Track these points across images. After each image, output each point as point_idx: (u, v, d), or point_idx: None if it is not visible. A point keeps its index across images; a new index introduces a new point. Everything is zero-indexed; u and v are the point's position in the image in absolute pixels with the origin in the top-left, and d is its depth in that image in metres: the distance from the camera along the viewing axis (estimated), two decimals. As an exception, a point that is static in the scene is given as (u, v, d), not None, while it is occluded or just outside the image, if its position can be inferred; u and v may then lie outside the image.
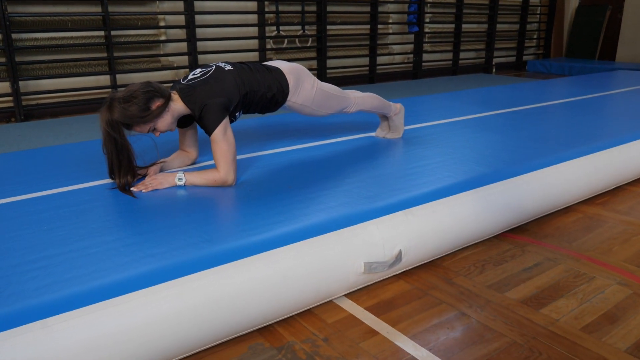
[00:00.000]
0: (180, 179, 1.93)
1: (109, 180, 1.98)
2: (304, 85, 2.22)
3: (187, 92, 1.94)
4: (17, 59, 4.55)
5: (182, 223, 1.59)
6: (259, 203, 1.76)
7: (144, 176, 2.00)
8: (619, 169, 2.61)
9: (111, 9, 4.89)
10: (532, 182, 2.17)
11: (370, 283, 1.75)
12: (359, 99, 2.47)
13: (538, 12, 9.16)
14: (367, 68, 6.95)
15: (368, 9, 6.75)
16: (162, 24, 5.32)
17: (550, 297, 1.73)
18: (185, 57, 5.50)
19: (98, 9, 4.87)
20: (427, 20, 7.48)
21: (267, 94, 2.11)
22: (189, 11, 5.30)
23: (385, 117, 2.71)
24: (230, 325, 1.40)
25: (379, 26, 6.94)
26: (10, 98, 4.62)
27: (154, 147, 2.21)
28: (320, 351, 1.45)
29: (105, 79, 5.10)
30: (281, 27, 6.11)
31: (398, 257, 1.70)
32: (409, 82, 6.94)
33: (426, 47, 7.56)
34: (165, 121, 1.91)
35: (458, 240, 1.93)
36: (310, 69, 6.10)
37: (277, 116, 3.17)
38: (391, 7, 7.11)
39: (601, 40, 8.73)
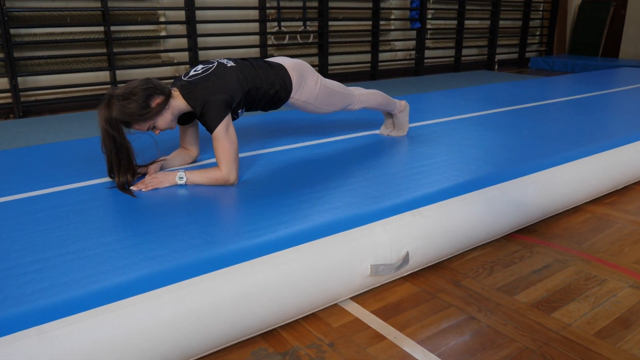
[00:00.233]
0: (181, 178, 1.88)
1: (108, 179, 1.94)
2: (307, 82, 2.17)
3: (188, 89, 1.89)
4: (16, 54, 4.49)
5: (183, 224, 1.54)
6: (262, 203, 1.71)
7: (144, 175, 1.96)
8: (627, 168, 2.56)
9: (111, 4, 4.83)
10: (540, 181, 2.12)
11: (376, 286, 1.71)
12: (363, 95, 2.42)
13: (541, 8, 9.09)
14: (369, 64, 6.89)
15: (370, 4, 6.69)
16: (162, 19, 5.26)
17: (561, 300, 1.68)
18: (186, 53, 5.45)
19: (97, 4, 4.81)
20: (430, 16, 7.42)
21: (270, 91, 2.06)
22: (190, 6, 5.24)
23: (389, 115, 2.66)
24: (233, 330, 1.35)
25: (381, 22, 6.87)
26: (8, 94, 4.57)
27: (154, 144, 2.16)
28: (326, 357, 1.40)
29: (104, 75, 5.05)
30: (282, 23, 6.05)
31: (405, 259, 1.66)
32: (410, 79, 6.89)
33: (428, 43, 7.50)
34: (165, 119, 1.87)
35: (466, 241, 1.88)
36: (311, 66, 6.03)
37: (279, 113, 3.12)
38: (393, 3, 7.05)
39: (604, 37, 8.66)
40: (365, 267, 1.57)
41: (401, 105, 2.60)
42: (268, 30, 5.92)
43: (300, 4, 6.09)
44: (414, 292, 1.72)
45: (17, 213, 1.64)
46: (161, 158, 2.05)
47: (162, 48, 5.35)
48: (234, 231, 1.49)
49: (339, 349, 1.43)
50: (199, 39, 5.43)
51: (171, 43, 5.42)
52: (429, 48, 7.49)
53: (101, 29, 4.90)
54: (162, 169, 2.04)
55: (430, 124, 2.93)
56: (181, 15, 5.34)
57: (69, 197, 1.78)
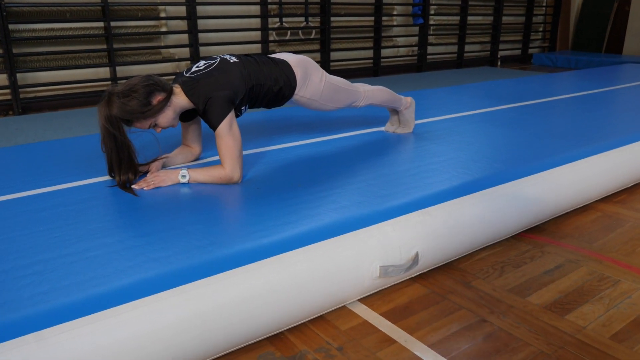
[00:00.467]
0: (183, 176, 1.83)
1: (109, 177, 1.89)
2: (312, 79, 2.12)
3: (190, 85, 1.84)
4: (15, 50, 4.44)
5: (187, 224, 1.50)
6: (267, 202, 1.66)
7: (146, 173, 1.91)
8: (636, 165, 2.51)
9: (111, -1, 4.79)
10: (550, 179, 2.07)
11: (384, 287, 1.66)
12: (369, 92, 2.37)
13: (544, 4, 9.03)
14: (371, 61, 6.83)
15: (372, 0, 6.62)
16: (162, 14, 5.20)
17: (575, 302, 1.64)
18: (187, 49, 5.39)
19: (97, -1, 4.76)
20: (432, 12, 7.35)
21: (274, 88, 2.01)
22: (190, 2, 5.19)
23: (395, 111, 2.61)
24: (239, 334, 1.31)
25: (384, 18, 6.81)
26: (7, 90, 4.51)
27: (155, 142, 2.12)
28: (334, 361, 1.36)
29: (104, 71, 5.00)
30: (284, 19, 5.99)
31: (415, 260, 1.61)
32: (413, 75, 6.83)
33: (431, 39, 7.44)
34: (167, 116, 1.82)
35: (476, 241, 1.83)
36: (313, 62, 5.96)
37: (282, 110, 3.07)
38: (395, -2, 6.99)
39: (608, 33, 8.60)
40: (374, 268, 1.53)
41: (407, 102, 2.56)
42: (269, 26, 5.86)
43: (302, 0, 6.03)
44: (423, 294, 1.67)
45: (15, 212, 1.60)
46: (163, 156, 2.00)
47: (162, 44, 5.30)
48: (239, 232, 1.45)
49: (348, 353, 1.39)
50: (200, 35, 5.38)
51: (172, 39, 5.36)
52: (431, 44, 7.43)
53: (101, 24, 4.84)
54: (164, 167, 1.99)
55: (435, 120, 2.88)
56: (182, 10, 5.28)
57: (69, 196, 1.73)
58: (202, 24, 5.40)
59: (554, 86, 4.27)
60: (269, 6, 5.82)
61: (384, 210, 1.64)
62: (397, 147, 2.36)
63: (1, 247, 1.37)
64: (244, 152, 2.17)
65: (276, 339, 1.44)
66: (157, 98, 1.78)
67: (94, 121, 1.74)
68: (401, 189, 1.79)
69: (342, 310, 1.57)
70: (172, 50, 5.38)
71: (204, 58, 2.00)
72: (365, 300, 1.62)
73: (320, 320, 1.52)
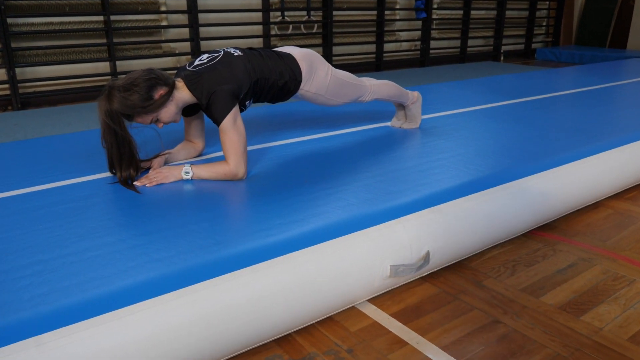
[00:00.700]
0: (187, 173, 1.79)
1: (109, 174, 1.84)
2: (317, 73, 2.06)
3: (193, 79, 1.78)
4: (13, 44, 4.38)
5: (191, 222, 1.45)
6: (273, 199, 1.62)
7: (147, 169, 1.86)
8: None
9: (110, -8, 4.72)
10: (562, 175, 2.02)
11: (394, 287, 1.61)
12: (375, 86, 2.31)
13: (547, -2, 8.96)
14: (374, 55, 6.77)
15: (375, -6, 6.56)
16: (163, 8, 5.14)
17: (590, 302, 1.59)
18: (188, 44, 5.33)
19: (97, -8, 4.70)
20: (435, 6, 7.28)
21: (279, 82, 1.96)
22: (191, -5, 5.13)
23: (401, 106, 2.56)
24: (246, 337, 1.26)
25: (386, 12, 6.74)
26: (6, 85, 4.46)
27: (157, 137, 2.07)
28: (344, 364, 1.31)
29: (104, 66, 4.94)
30: (286, 13, 5.92)
31: (426, 259, 1.57)
32: (416, 70, 6.77)
33: (434, 33, 7.37)
34: (169, 111, 1.77)
35: (487, 239, 1.79)
36: (315, 56, 5.90)
37: (286, 104, 3.02)
38: (398, -8, 6.92)
39: (612, 28, 8.53)
40: (384, 267, 1.48)
41: (414, 97, 2.50)
42: (271, 20, 5.80)
43: (303, -7, 5.97)
44: (434, 293, 1.63)
45: (14, 210, 1.55)
46: (165, 152, 1.95)
47: (163, 38, 5.24)
48: (244, 230, 1.40)
49: (358, 355, 1.34)
50: (201, 29, 5.32)
51: (172, 33, 5.30)
52: (434, 38, 7.36)
53: (101, 18, 4.78)
54: (166, 163, 1.94)
55: (441, 115, 2.83)
56: (182, 4, 5.22)
57: (69, 193, 1.68)
58: (203, 17, 5.34)
59: (559, 81, 4.21)
60: (271, 0, 5.76)
61: (393, 207, 1.59)
62: (404, 142, 2.31)
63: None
64: (248, 148, 2.12)
65: (284, 341, 1.39)
66: (159, 92, 1.72)
67: (94, 116, 1.69)
68: (410, 185, 1.74)
69: (351, 311, 1.52)
70: (172, 45, 5.32)
71: (208, 52, 1.94)
72: (374, 300, 1.57)
73: (328, 321, 1.47)
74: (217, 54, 1.87)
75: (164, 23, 5.19)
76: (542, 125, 2.60)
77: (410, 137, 2.39)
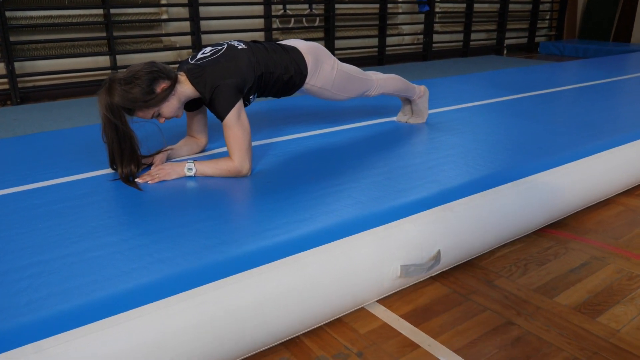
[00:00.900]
0: (190, 169, 1.74)
1: (110, 170, 1.79)
2: (323, 67, 2.01)
3: (196, 73, 1.73)
4: (12, 38, 4.32)
5: (194, 221, 1.40)
6: (279, 197, 1.57)
7: (149, 166, 1.81)
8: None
9: (110, -15, 4.65)
10: (575, 172, 1.97)
11: (403, 287, 1.57)
12: (382, 81, 2.26)
13: (550, -9, 8.87)
14: (376, 49, 6.70)
15: (377, -13, 6.49)
16: (163, 1, 5.07)
17: (605, 302, 1.55)
18: (188, 37, 5.27)
19: (96, -15, 4.63)
20: (438, -1, 7.21)
21: (284, 76, 1.90)
22: (192, -12, 5.06)
23: (407, 101, 2.51)
24: (253, 340, 1.22)
25: (389, 5, 6.67)
26: (5, 80, 4.40)
27: (159, 132, 2.02)
28: (354, 368, 1.27)
29: (104, 60, 4.88)
30: (288, 6, 5.85)
31: (437, 259, 1.52)
32: (419, 64, 6.70)
33: (437, 27, 7.30)
34: (171, 106, 1.72)
35: (499, 237, 1.74)
36: (317, 50, 5.82)
37: (289, 99, 2.96)
38: (401, -15, 6.84)
39: (616, 21, 8.44)
40: (395, 268, 1.43)
41: (420, 91, 2.45)
42: (273, 14, 5.73)
43: (305, -14, 5.89)
44: (444, 294, 1.58)
45: (12, 209, 1.50)
46: (167, 147, 1.90)
47: (163, 32, 5.17)
48: (251, 230, 1.35)
49: (368, 359, 1.30)
50: (202, 22, 5.25)
51: (173, 26, 5.23)
52: (437, 32, 7.29)
53: (100, 11, 4.71)
54: (168, 159, 1.89)
55: (447, 110, 2.77)
56: (183, -3, 5.15)
57: (69, 190, 1.64)
58: (203, 11, 5.27)
59: (564, 75, 4.15)
60: (272, -7, 5.69)
61: (403, 205, 1.54)
62: (411, 138, 2.26)
63: (-4, 246, 1.27)
64: (252, 143, 2.07)
65: (292, 344, 1.35)
66: (161, 86, 1.67)
67: (95, 111, 1.64)
68: (420, 182, 1.69)
69: (360, 312, 1.48)
70: (173, 38, 5.25)
71: (211, 45, 1.89)
72: (383, 301, 1.53)
73: (337, 323, 1.43)
74: (220, 47, 1.81)
75: (165, 16, 5.13)
76: (550, 120, 2.54)
77: (417, 133, 2.34)
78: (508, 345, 1.35)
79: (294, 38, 2.27)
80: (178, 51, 5.28)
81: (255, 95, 1.91)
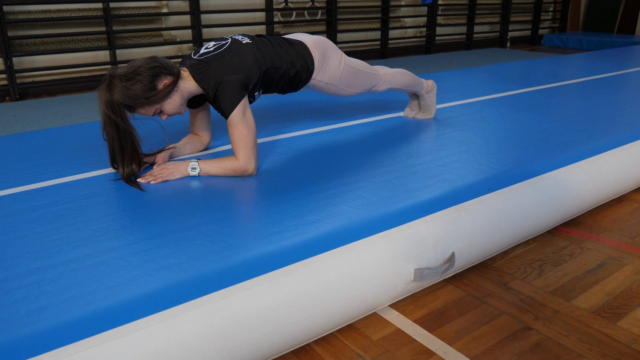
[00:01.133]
0: (193, 169, 1.68)
1: (111, 170, 1.74)
2: (330, 62, 1.95)
3: (199, 69, 1.67)
4: (10, 33, 4.25)
5: (200, 224, 1.35)
6: (287, 198, 1.51)
7: (152, 165, 1.75)
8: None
9: (109, -21, 4.57)
10: (591, 168, 1.92)
11: (416, 290, 1.52)
12: (389, 75, 2.20)
13: (554, -17, 8.77)
14: (379, 42, 6.63)
15: (380, -21, 6.40)
16: (163, -5, 5.00)
17: (625, 306, 1.49)
18: (189, 31, 5.20)
19: (95, -21, 4.55)
20: (441, -9, 7.13)
21: (290, 71, 1.84)
22: (192, -19, 4.98)
23: (415, 96, 2.45)
24: (262, 348, 1.16)
25: (391, -2, 6.59)
26: (3, 75, 4.34)
27: (161, 130, 1.96)
28: (368, 378, 1.22)
29: (104, 55, 4.81)
30: (289, -1, 5.78)
31: (451, 262, 1.46)
32: (422, 57, 6.63)
33: (440, 20, 7.21)
34: (173, 102, 1.66)
35: (514, 237, 1.69)
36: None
37: (294, 94, 2.90)
38: (403, -23, 6.76)
39: (621, 13, 8.35)
40: (408, 271, 1.38)
41: (428, 85, 2.39)
42: (274, 7, 5.65)
43: (307, -21, 5.81)
44: (458, 297, 1.53)
45: (9, 211, 1.44)
46: (170, 146, 1.84)
47: (163, 26, 5.10)
48: (259, 233, 1.29)
49: (382, 367, 1.25)
50: (203, 16, 5.17)
51: (173, 20, 5.16)
52: (440, 25, 7.21)
53: (100, 5, 4.64)
54: (171, 158, 1.83)
55: (454, 105, 2.71)
56: (183, -10, 5.08)
57: (69, 191, 1.58)
58: (204, 4, 5.19)
59: (570, 68, 4.08)
60: (274, -14, 5.61)
61: (415, 205, 1.48)
62: (420, 134, 2.20)
63: (-7, 252, 1.22)
64: (257, 141, 2.01)
65: (302, 352, 1.30)
66: (163, 82, 1.61)
67: (95, 107, 1.58)
68: (432, 181, 1.63)
69: (372, 317, 1.42)
70: (173, 32, 5.18)
71: (210, 40, 1.83)
72: (396, 305, 1.48)
73: (348, 329, 1.38)
74: (224, 42, 1.75)
75: (165, 10, 5.05)
76: (559, 114, 2.48)
77: (425, 128, 2.28)
78: (527, 352, 1.29)
79: (296, 32, 2.20)
80: (179, 45, 5.21)
81: (261, 92, 1.85)
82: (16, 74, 4.33)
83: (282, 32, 5.79)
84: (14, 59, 4.30)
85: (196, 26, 5.10)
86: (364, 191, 1.56)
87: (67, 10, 4.52)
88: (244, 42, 1.77)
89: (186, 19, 5.17)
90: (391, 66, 2.27)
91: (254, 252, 1.21)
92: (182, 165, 1.69)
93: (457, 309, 1.47)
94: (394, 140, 2.09)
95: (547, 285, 1.59)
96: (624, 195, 2.25)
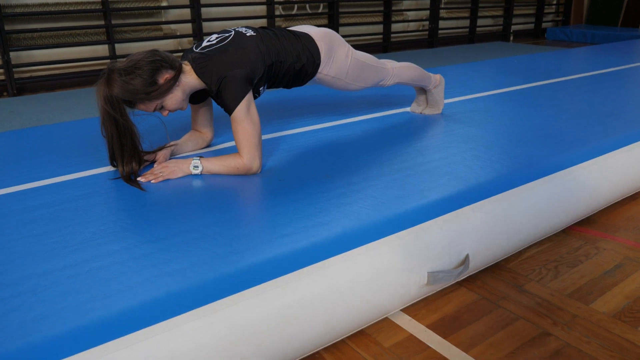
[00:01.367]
0: (196, 167, 1.62)
1: (110, 168, 1.68)
2: (337, 55, 1.88)
3: (201, 63, 1.61)
4: (7, 27, 4.18)
5: (203, 226, 1.28)
6: (294, 197, 1.45)
7: (152, 163, 1.69)
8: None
9: (108, -29, 4.49)
10: (607, 165, 1.85)
11: (428, 294, 1.46)
12: (397, 69, 2.13)
13: (558, -24, 8.68)
14: (381, 36, 6.54)
15: (382, -28, 6.31)
16: (163, -12, 4.92)
17: (646, 309, 1.43)
18: (189, 25, 5.12)
19: (93, -29, 4.47)
20: (444, -16, 7.04)
21: (296, 65, 1.78)
22: (192, -26, 4.90)
23: (422, 90, 2.38)
24: (270, 359, 1.10)
25: (394, -9, 6.51)
26: (0, 70, 4.27)
27: (162, 126, 1.90)
28: (381, 388, 1.16)
29: (103, 49, 4.74)
30: (290, -8, 5.70)
31: (465, 264, 1.40)
32: (425, 51, 6.55)
33: (442, 13, 7.13)
34: (175, 98, 1.59)
35: (529, 237, 1.63)
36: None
37: (297, 88, 2.83)
38: (406, -30, 6.67)
39: (625, 6, 8.26)
40: (422, 274, 1.32)
41: (436, 80, 2.32)
42: (275, 0, 5.57)
43: (309, -28, 5.73)
44: (472, 300, 1.47)
45: (5, 212, 1.38)
46: (171, 143, 1.78)
47: (163, 19, 5.02)
48: (266, 236, 1.23)
49: (395, 376, 1.19)
50: (203, 9, 5.10)
51: (173, 14, 5.08)
52: (443, 18, 7.12)
53: (98, -1, 4.57)
54: (172, 155, 1.77)
55: (461, 100, 2.64)
56: (183, -17, 4.99)
57: (67, 190, 1.52)
58: (204, -3, 5.12)
59: (576, 62, 4.01)
60: (275, -22, 5.53)
61: (428, 205, 1.42)
62: (428, 130, 2.13)
63: (-13, 256, 1.16)
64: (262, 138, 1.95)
65: (311, 360, 1.24)
66: (164, 76, 1.55)
67: (94, 102, 1.51)
68: (444, 180, 1.57)
69: (384, 322, 1.36)
70: (173, 26, 5.10)
71: (212, 33, 1.76)
72: (407, 309, 1.42)
73: (359, 335, 1.32)
74: (227, 34, 1.69)
75: (164, 3, 4.97)
76: (569, 110, 2.41)
77: (433, 124, 2.21)
78: (547, 360, 1.24)
79: (298, 25, 2.13)
80: (178, 39, 5.14)
81: (265, 87, 1.78)
82: (14, 69, 4.25)
83: (283, 25, 5.71)
84: (11, 54, 4.23)
85: (196, 20, 5.03)
86: (374, 190, 1.49)
87: (65, 3, 4.45)
88: (247, 34, 1.70)
89: (186, 13, 5.09)
90: (394, 60, 2.20)
91: (261, 256, 1.14)
92: (183, 164, 1.63)
93: (472, 313, 1.41)
94: (401, 137, 2.03)
95: (563, 287, 1.53)
96: (638, 193, 2.19)
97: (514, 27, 8.13)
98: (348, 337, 1.30)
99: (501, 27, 8.00)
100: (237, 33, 1.70)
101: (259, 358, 1.07)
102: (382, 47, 6.56)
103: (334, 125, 2.19)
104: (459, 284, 1.54)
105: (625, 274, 1.60)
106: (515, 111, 2.40)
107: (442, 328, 1.35)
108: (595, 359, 1.24)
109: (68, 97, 4.07)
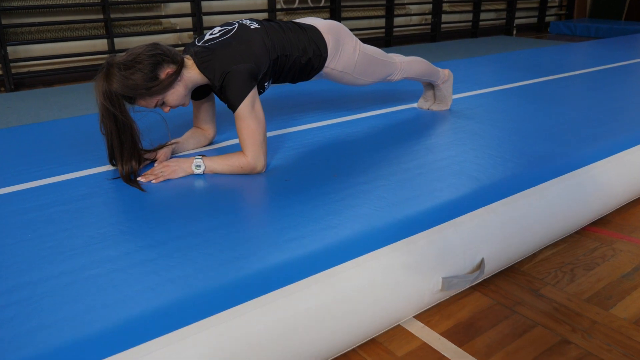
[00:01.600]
0: (198, 166, 1.55)
1: (109, 167, 1.61)
2: (344, 48, 1.82)
3: (204, 57, 1.54)
4: (4, 21, 4.10)
5: (206, 229, 1.22)
6: (301, 199, 1.39)
7: (153, 162, 1.63)
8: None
9: (106, -36, 4.41)
10: (623, 163, 1.79)
11: (442, 299, 1.40)
12: (405, 64, 2.06)
13: (561, -31, 8.57)
14: (383, 30, 6.46)
15: (384, -35, 6.22)
16: (162, -19, 4.84)
17: (668, 315, 1.38)
18: (189, 19, 5.04)
19: (91, -36, 4.39)
20: (447, -23, 6.94)
21: (302, 59, 1.71)
22: (192, -33, 4.81)
23: (430, 86, 2.31)
24: (278, 370, 1.05)
25: (396, -16, 6.42)
26: (-2, 65, 4.19)
27: (163, 122, 1.83)
28: (394, 400, 1.10)
29: (102, 44, 4.66)
30: (292, -15, 5.61)
31: (481, 269, 1.34)
32: (427, 45, 6.46)
33: (445, 7, 7.04)
34: (176, 93, 1.53)
35: (544, 239, 1.57)
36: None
37: (301, 83, 2.76)
38: (409, -37, 6.57)
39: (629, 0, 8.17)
40: (436, 280, 1.26)
41: (444, 75, 2.25)
42: (277, -7, 5.49)
43: (310, -36, 5.64)
44: (487, 306, 1.41)
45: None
46: (172, 141, 1.71)
47: (163, 13, 4.94)
48: (273, 240, 1.17)
49: (409, 388, 1.13)
50: (203, 3, 5.01)
51: (173, 8, 5.00)
52: (445, 12, 7.04)
53: (96, -8, 4.49)
54: (173, 154, 1.71)
55: (468, 96, 2.57)
56: (183, -24, 4.91)
57: (64, 191, 1.46)
58: (204, -9, 5.03)
59: (582, 56, 3.94)
60: (276, -29, 5.44)
61: (441, 207, 1.36)
62: (436, 127, 2.07)
63: (-21, 262, 1.10)
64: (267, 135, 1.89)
65: (320, 371, 1.18)
66: (166, 71, 1.48)
67: (93, 98, 1.45)
68: (456, 180, 1.51)
69: (396, 330, 1.30)
70: (173, 20, 5.02)
71: (212, 27, 1.69)
72: (420, 315, 1.36)
73: (370, 344, 1.26)
74: (231, 27, 1.62)
75: (164, -3, 4.89)
76: (579, 106, 2.34)
77: (442, 121, 2.15)
78: (568, 370, 1.18)
79: (300, 18, 2.06)
80: (178, 33, 5.06)
81: (270, 82, 1.72)
82: (11, 64, 4.18)
83: (285, 19, 5.63)
84: (9, 48, 4.16)
85: (196, 14, 4.95)
86: (384, 191, 1.43)
87: (63, -3, 4.37)
88: (252, 27, 1.64)
89: (186, 6, 5.01)
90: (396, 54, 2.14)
91: (268, 262, 1.08)
92: (185, 163, 1.56)
93: (487, 320, 1.35)
94: (409, 134, 1.96)
95: (581, 291, 1.48)
96: (651, 191, 2.13)
97: (517, 21, 8.04)
98: (359, 346, 1.25)
99: (504, 21, 7.91)
100: (241, 26, 1.63)
101: (267, 371, 1.01)
102: (385, 41, 6.48)
103: (340, 121, 2.13)
104: (473, 288, 1.48)
105: (644, 277, 1.55)
106: (524, 107, 2.33)
107: (457, 335, 1.29)
108: (619, 369, 1.19)
109: (66, 93, 4.00)
